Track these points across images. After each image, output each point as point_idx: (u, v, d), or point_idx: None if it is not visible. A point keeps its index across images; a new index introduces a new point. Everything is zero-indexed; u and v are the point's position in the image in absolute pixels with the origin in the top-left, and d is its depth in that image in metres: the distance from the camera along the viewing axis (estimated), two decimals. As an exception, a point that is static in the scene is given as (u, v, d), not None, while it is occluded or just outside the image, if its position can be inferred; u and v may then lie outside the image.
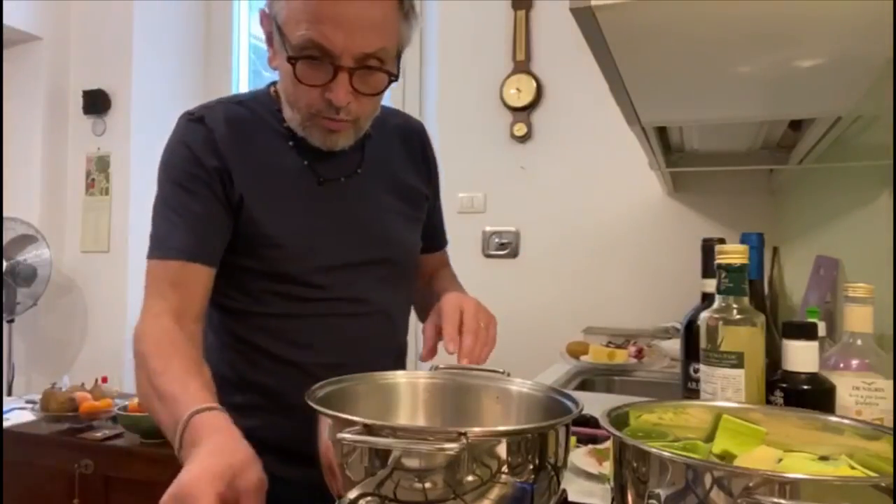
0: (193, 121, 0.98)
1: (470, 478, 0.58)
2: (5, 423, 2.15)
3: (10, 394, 2.84)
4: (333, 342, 0.99)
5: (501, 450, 0.59)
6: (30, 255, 2.87)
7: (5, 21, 2.84)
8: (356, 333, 1.01)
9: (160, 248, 0.94)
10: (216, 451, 0.67)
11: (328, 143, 0.96)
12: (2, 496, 2.04)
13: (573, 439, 1.04)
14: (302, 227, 0.98)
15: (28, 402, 2.43)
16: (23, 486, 2.06)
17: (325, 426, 0.64)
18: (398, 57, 0.94)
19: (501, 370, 0.82)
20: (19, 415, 2.27)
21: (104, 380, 2.40)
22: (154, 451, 1.91)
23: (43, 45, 3.08)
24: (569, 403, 0.71)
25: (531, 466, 0.61)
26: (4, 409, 2.33)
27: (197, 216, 0.94)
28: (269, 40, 0.95)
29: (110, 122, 3.11)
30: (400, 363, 1.11)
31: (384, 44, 0.89)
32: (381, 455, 0.58)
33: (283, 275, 0.97)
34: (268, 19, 0.93)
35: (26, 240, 2.87)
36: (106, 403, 2.14)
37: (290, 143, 0.99)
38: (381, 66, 0.91)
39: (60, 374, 2.68)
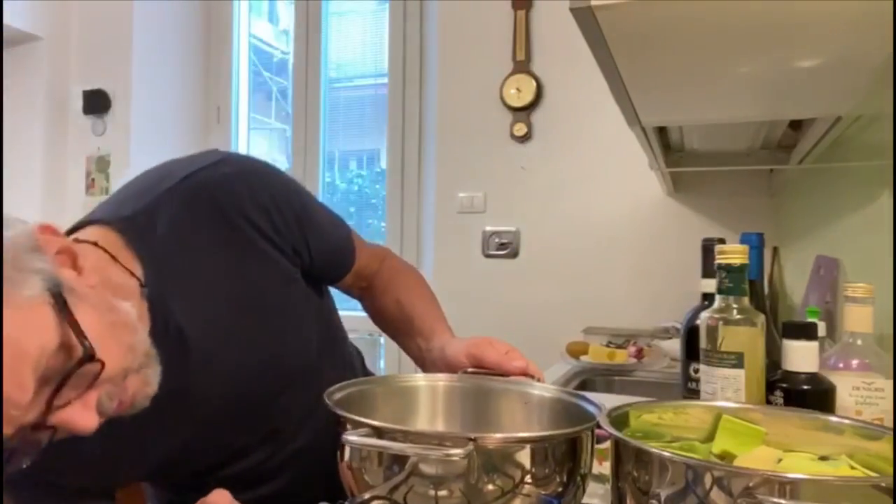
0: None
1: (489, 487, 0.55)
2: (5, 423, 2.15)
3: (10, 394, 2.83)
4: (281, 469, 0.90)
5: (521, 457, 0.57)
6: (30, 255, 2.87)
7: (5, 21, 2.84)
8: (302, 445, 0.90)
9: None
10: None
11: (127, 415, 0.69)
12: (2, 496, 2.04)
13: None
14: (163, 462, 0.82)
15: (28, 402, 2.42)
16: (23, 486, 2.06)
17: (341, 427, 0.63)
18: (71, 325, 0.59)
19: (534, 376, 0.80)
20: (19, 415, 2.27)
21: (104, 380, 2.40)
22: (154, 451, 1.91)
23: (43, 45, 3.08)
24: (591, 408, 0.69)
25: (554, 475, 0.58)
26: (4, 409, 2.33)
27: None
28: None
29: (110, 122, 3.11)
30: None
31: (38, 356, 0.57)
32: (393, 459, 0.57)
33: (186, 483, 0.86)
34: None
35: (26, 240, 2.87)
36: (106, 403, 2.14)
37: None
38: (67, 363, 0.59)
39: (60, 374, 2.68)
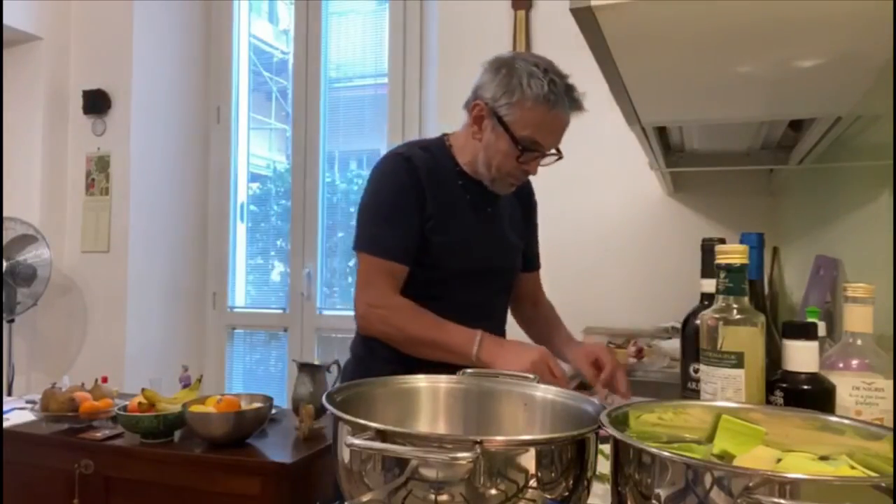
0: (402, 158, 1.39)
1: (493, 491, 0.54)
2: (5, 423, 2.15)
3: (10, 394, 2.84)
4: (463, 320, 1.32)
5: (524, 461, 0.56)
6: (30, 255, 2.87)
7: (5, 21, 2.85)
8: (477, 318, 1.35)
9: (377, 248, 1.36)
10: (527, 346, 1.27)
11: (505, 191, 1.44)
12: (2, 496, 2.04)
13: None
14: (460, 237, 1.39)
15: (28, 402, 2.42)
16: (23, 486, 2.06)
17: (341, 429, 0.62)
18: None
19: (531, 376, 0.80)
20: (19, 415, 2.27)
21: (104, 380, 2.39)
22: (154, 451, 1.91)
23: (43, 45, 3.08)
24: (593, 409, 0.68)
25: (560, 479, 0.57)
26: (4, 409, 2.33)
27: (405, 226, 1.35)
28: (479, 121, 1.38)
29: (110, 122, 3.11)
30: None
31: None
32: (396, 462, 0.55)
33: (444, 268, 1.38)
34: (485, 109, 1.37)
35: (26, 240, 2.87)
36: (106, 403, 2.13)
37: (460, 183, 1.43)
38: (554, 151, 1.40)
39: (60, 374, 2.68)
